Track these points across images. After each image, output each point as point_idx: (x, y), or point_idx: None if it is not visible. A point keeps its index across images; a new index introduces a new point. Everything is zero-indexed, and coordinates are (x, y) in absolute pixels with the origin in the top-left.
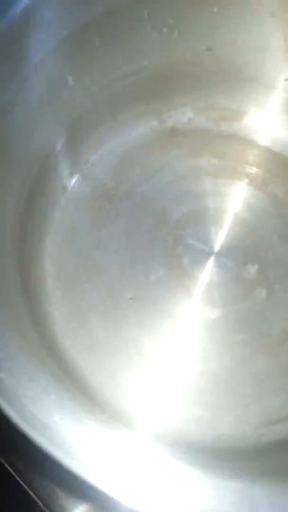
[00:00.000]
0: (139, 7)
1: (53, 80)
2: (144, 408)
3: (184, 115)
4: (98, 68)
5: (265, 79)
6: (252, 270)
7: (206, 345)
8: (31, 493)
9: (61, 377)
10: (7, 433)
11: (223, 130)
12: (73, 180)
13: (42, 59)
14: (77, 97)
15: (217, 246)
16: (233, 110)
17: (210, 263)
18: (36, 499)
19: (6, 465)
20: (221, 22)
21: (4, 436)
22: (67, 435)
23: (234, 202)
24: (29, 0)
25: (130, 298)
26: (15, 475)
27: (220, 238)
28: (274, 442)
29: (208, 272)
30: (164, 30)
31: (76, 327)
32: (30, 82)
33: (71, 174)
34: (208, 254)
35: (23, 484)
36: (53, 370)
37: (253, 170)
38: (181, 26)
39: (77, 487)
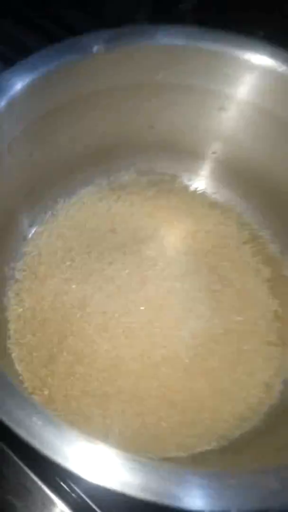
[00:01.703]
0: (93, 99)
1: (20, 155)
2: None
3: (129, 176)
4: (57, 143)
5: (197, 151)
6: None
7: None
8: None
9: None
10: None
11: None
12: (32, 231)
13: (14, 140)
14: (38, 165)
15: None
16: (169, 175)
17: None
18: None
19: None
20: (162, 107)
21: None
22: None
23: None
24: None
25: None
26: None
27: None
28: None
29: None
30: (114, 113)
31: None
32: (3, 159)
33: (31, 225)
34: None
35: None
36: None
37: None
38: (129, 111)
39: None
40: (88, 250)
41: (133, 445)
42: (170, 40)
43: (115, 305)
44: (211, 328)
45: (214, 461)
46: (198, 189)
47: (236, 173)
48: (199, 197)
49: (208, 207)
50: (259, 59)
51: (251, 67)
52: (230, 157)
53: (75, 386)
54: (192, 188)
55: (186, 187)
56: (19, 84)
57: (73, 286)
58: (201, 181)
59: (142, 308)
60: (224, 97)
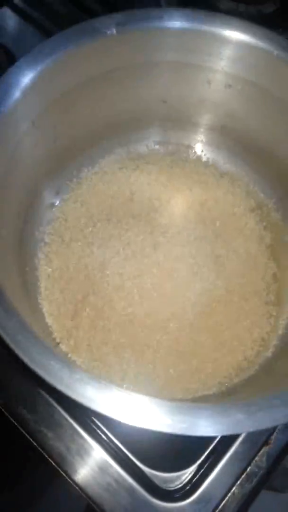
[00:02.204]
0: (110, 76)
1: (45, 127)
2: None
3: (146, 147)
4: (79, 117)
5: (208, 124)
6: None
7: None
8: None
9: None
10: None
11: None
12: (59, 198)
13: (38, 115)
14: (62, 136)
15: None
16: (184, 145)
17: None
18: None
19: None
20: (172, 83)
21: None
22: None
23: None
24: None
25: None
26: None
27: None
28: None
29: None
30: (130, 89)
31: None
32: (29, 131)
33: (57, 193)
34: None
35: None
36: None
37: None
38: (143, 87)
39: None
40: (108, 217)
41: (146, 388)
42: (177, 23)
43: (130, 268)
44: (214, 289)
45: (214, 402)
46: (210, 159)
47: (245, 145)
48: (211, 167)
49: (219, 176)
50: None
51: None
52: (238, 130)
53: (96, 337)
54: (204, 158)
55: (199, 157)
56: (41, 65)
57: (94, 250)
58: (213, 152)
59: (154, 270)
60: (228, 75)
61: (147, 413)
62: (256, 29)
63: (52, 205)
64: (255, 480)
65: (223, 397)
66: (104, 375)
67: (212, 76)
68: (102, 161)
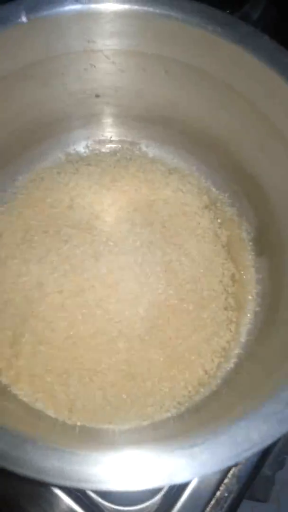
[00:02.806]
0: (30, 70)
1: None
2: None
3: (86, 147)
4: (2, 120)
5: (151, 117)
6: None
7: None
8: None
9: None
10: None
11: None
12: None
13: None
14: None
15: None
16: (127, 142)
17: None
18: None
19: None
20: (103, 74)
21: None
22: None
23: None
24: None
25: None
26: None
27: None
28: None
29: None
30: (57, 84)
31: None
32: None
33: None
34: None
35: None
36: None
37: None
38: (71, 80)
39: None
40: (46, 229)
41: (96, 417)
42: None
43: (71, 284)
44: (166, 299)
45: (173, 426)
46: (156, 156)
47: (192, 137)
48: (158, 164)
49: (168, 173)
50: None
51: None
52: (183, 121)
53: (38, 365)
54: (151, 154)
55: (144, 154)
56: None
57: (31, 267)
58: (159, 148)
59: (95, 285)
60: (163, 58)
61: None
62: (187, 3)
63: None
64: (226, 505)
65: (183, 419)
66: (50, 408)
67: (146, 62)
68: (38, 166)
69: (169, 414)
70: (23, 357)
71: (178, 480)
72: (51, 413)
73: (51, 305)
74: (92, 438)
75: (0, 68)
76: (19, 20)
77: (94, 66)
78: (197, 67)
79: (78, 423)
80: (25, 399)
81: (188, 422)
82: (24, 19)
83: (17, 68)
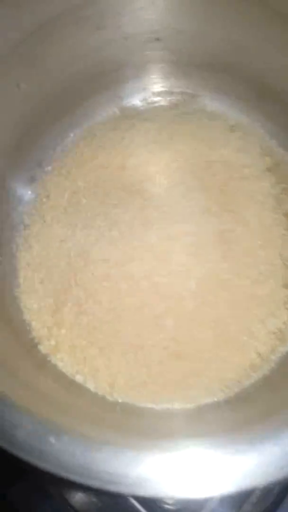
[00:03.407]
0: (83, 11)
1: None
2: None
3: (143, 100)
4: (49, 68)
5: (216, 64)
6: None
7: None
8: None
9: None
10: None
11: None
12: (40, 170)
13: None
14: (31, 96)
15: None
16: (188, 94)
17: None
18: None
19: None
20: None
21: None
22: None
23: None
24: None
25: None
26: None
27: None
28: None
29: None
30: (111, 25)
31: None
32: None
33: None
34: None
35: None
36: None
37: None
38: (128, 21)
39: None
40: (95, 190)
41: (139, 395)
42: None
43: (117, 252)
44: (220, 273)
45: (221, 413)
46: (218, 110)
47: (259, 89)
48: (220, 119)
49: (229, 130)
50: None
51: None
52: (251, 69)
53: (80, 337)
54: (212, 108)
55: (206, 108)
56: None
57: (77, 232)
58: (222, 100)
59: (144, 255)
60: None
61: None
62: None
63: (33, 178)
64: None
65: (232, 406)
66: (90, 382)
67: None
68: (91, 122)
69: (216, 399)
70: (65, 326)
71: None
72: (91, 386)
73: (95, 274)
74: (133, 420)
75: (50, 6)
76: None
77: (154, 4)
78: (271, 5)
79: (120, 400)
80: (64, 370)
81: (237, 411)
82: None
83: (69, 7)
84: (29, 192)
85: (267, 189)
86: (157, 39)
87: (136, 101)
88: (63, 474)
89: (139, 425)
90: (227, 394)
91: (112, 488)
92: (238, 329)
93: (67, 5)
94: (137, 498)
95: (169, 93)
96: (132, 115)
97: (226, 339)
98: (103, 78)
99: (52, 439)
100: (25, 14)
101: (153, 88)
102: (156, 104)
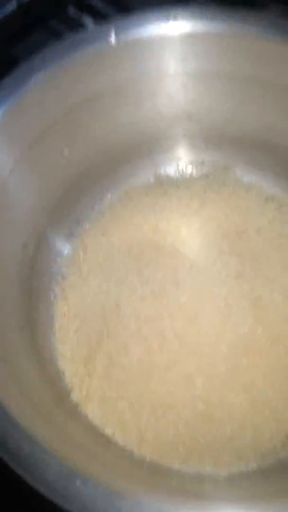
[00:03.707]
0: (124, 88)
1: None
2: None
3: (176, 169)
4: (92, 136)
5: (247, 139)
6: None
7: None
8: None
9: None
10: None
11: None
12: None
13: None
14: (74, 161)
15: None
16: (221, 167)
17: None
18: None
19: None
20: (197, 95)
21: None
22: None
23: None
24: None
25: None
26: None
27: None
28: None
29: None
30: (148, 102)
31: None
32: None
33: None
34: None
35: None
36: None
37: None
38: (163, 100)
39: None
40: (129, 249)
41: (167, 455)
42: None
43: (149, 309)
44: (253, 338)
45: (254, 485)
46: (253, 182)
47: None
48: (254, 191)
49: (264, 202)
50: None
51: None
52: (285, 146)
53: (110, 389)
54: (246, 180)
55: (239, 180)
56: (34, 78)
57: (111, 287)
58: (256, 174)
59: (175, 313)
60: (264, 82)
61: None
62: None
63: (72, 233)
64: None
65: (267, 478)
66: (119, 435)
67: (242, 84)
68: (127, 186)
69: (250, 468)
70: (95, 377)
71: None
72: (119, 440)
73: (127, 328)
74: (160, 479)
75: (96, 85)
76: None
77: (186, 87)
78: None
79: (147, 457)
80: (94, 422)
81: (272, 482)
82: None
83: (112, 86)
84: (68, 246)
85: None
86: (189, 118)
87: (170, 170)
88: None
89: (166, 483)
90: (262, 464)
91: None
92: (273, 396)
93: (111, 84)
94: None
95: (202, 164)
96: (166, 182)
97: (260, 405)
98: (139, 148)
99: (78, 482)
100: (72, 89)
101: (185, 159)
102: (188, 174)
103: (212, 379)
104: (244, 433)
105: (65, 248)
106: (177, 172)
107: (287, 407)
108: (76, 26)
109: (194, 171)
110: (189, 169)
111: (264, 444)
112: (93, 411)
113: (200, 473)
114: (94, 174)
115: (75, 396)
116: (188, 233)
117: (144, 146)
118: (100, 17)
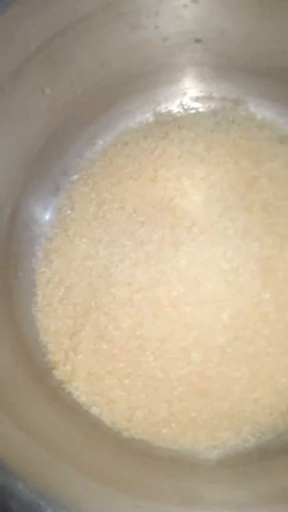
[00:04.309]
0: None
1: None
2: None
3: (180, 105)
4: (79, 70)
5: (263, 68)
6: None
7: None
8: None
9: None
10: None
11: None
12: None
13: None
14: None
15: None
16: (231, 100)
17: None
18: None
19: None
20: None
21: None
22: None
23: None
24: None
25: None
26: None
27: None
28: None
29: None
30: (147, 25)
31: None
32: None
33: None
34: None
35: None
36: None
37: None
38: (166, 20)
39: None
40: (122, 205)
41: (159, 434)
42: None
43: (142, 275)
44: (259, 305)
45: (250, 461)
46: (267, 119)
47: None
48: (267, 129)
49: (278, 142)
50: None
51: None
52: None
53: (98, 364)
54: (259, 116)
55: (251, 116)
56: None
57: (101, 250)
58: (270, 108)
59: (172, 280)
60: None
61: None
62: None
63: (57, 188)
64: None
65: (264, 454)
66: (106, 415)
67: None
68: (122, 128)
69: (246, 444)
70: (82, 351)
71: None
72: (107, 420)
73: (118, 298)
74: (149, 462)
75: (80, 4)
76: None
77: (196, 2)
78: None
79: (136, 437)
80: (79, 400)
81: (270, 461)
82: None
83: (101, 5)
84: (52, 203)
85: None
86: (197, 41)
87: (172, 106)
88: None
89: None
90: (259, 440)
91: None
92: (277, 369)
93: (99, 2)
94: None
95: (210, 98)
96: (167, 122)
97: (262, 379)
98: (137, 81)
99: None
100: (51, 13)
101: (191, 93)
102: (194, 111)
103: (210, 352)
104: (242, 408)
105: (49, 205)
106: (180, 109)
107: None
108: None
109: (201, 107)
110: (195, 105)
111: (263, 420)
112: (78, 389)
113: (192, 455)
114: (83, 116)
115: (59, 373)
116: (190, 184)
117: (141, 79)
118: None
